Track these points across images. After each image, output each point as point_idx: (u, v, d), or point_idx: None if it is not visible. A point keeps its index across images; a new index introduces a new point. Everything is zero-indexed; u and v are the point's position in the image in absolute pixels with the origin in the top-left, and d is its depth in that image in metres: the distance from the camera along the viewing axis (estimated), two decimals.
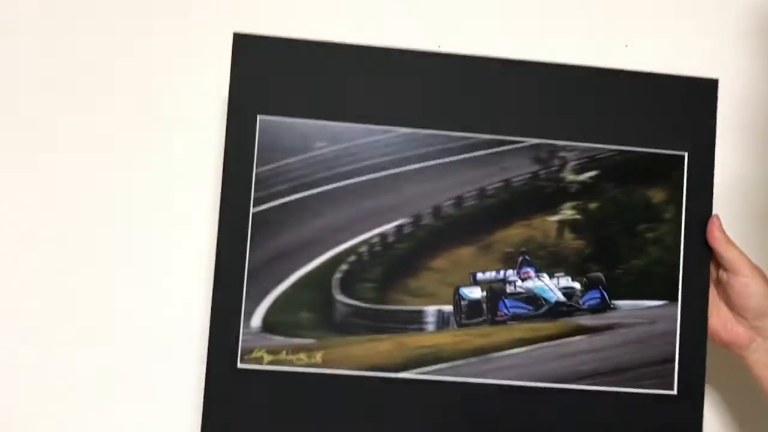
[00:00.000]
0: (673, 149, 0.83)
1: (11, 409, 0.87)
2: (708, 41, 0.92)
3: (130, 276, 0.88)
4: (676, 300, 0.82)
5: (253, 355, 0.78)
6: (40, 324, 0.88)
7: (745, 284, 0.79)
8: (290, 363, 0.78)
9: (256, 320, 0.78)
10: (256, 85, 0.79)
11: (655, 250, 0.82)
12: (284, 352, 0.78)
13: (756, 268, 0.80)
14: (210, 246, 0.82)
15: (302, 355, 0.79)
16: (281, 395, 0.78)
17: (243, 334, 0.78)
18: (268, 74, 0.79)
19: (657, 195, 0.83)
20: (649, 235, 0.82)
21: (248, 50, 0.79)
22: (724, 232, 0.81)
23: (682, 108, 0.83)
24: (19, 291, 0.88)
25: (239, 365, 0.78)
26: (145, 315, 0.88)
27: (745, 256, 0.80)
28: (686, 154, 0.83)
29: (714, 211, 0.82)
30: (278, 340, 0.78)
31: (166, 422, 0.88)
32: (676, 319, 0.82)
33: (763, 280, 0.79)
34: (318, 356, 0.79)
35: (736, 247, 0.81)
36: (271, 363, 0.78)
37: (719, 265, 0.82)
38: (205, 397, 0.77)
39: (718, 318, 0.81)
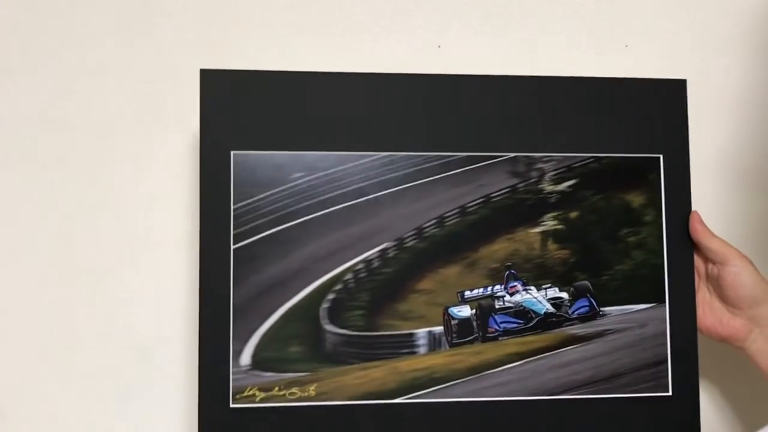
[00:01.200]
0: (647, 152, 0.83)
1: (11, 408, 0.86)
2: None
3: (140, 281, 0.88)
4: (664, 301, 0.82)
5: (246, 393, 0.77)
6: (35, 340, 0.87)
7: (736, 273, 0.79)
8: (283, 398, 0.77)
9: (246, 358, 0.77)
10: (226, 121, 0.78)
11: (639, 253, 0.82)
12: (276, 388, 0.77)
13: (744, 257, 0.80)
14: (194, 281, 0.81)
15: (295, 390, 0.77)
16: (277, 431, 0.77)
17: (233, 373, 0.77)
18: (239, 108, 0.79)
19: (636, 199, 0.83)
20: (632, 239, 0.82)
21: (216, 85, 0.78)
22: (705, 225, 0.81)
23: (654, 110, 0.84)
24: (13, 302, 0.87)
25: (232, 405, 0.77)
26: (158, 319, 0.87)
27: (731, 246, 0.80)
28: (661, 156, 0.83)
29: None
30: (270, 376, 0.77)
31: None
32: (666, 321, 0.82)
33: (753, 268, 0.79)
34: (311, 389, 0.78)
35: (720, 238, 0.81)
36: (263, 400, 0.77)
37: (707, 260, 0.82)
38: None
39: (713, 314, 0.81)
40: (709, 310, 0.81)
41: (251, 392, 0.77)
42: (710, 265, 0.81)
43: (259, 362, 0.77)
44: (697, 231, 0.81)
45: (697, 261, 0.83)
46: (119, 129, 0.88)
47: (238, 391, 0.77)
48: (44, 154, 0.88)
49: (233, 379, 0.77)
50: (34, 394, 0.86)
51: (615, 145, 0.83)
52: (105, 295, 0.87)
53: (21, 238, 0.87)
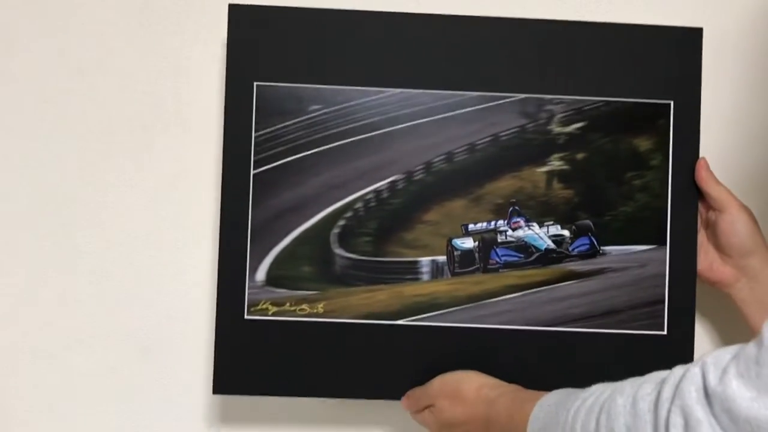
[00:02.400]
0: (659, 98, 0.85)
1: (11, 408, 0.90)
2: None
3: (140, 280, 0.91)
4: (665, 243, 0.84)
5: (259, 306, 0.83)
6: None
7: (731, 222, 0.81)
8: (294, 313, 0.84)
9: (261, 275, 0.84)
10: (251, 54, 0.84)
11: (642, 196, 0.85)
12: (288, 303, 0.84)
13: (743, 207, 0.82)
14: (215, 208, 0.87)
15: (305, 306, 0.84)
16: (286, 343, 0.83)
17: (249, 288, 0.83)
18: (263, 42, 0.84)
19: (644, 143, 0.85)
20: (637, 182, 0.85)
21: (242, 20, 0.84)
22: (711, 172, 0.83)
23: (668, 57, 0.85)
24: (13, 302, 0.90)
25: (246, 316, 0.83)
26: (158, 319, 0.91)
27: (733, 196, 0.82)
28: (672, 103, 0.85)
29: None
30: (282, 292, 0.84)
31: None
32: (666, 262, 0.84)
33: (750, 219, 0.81)
34: (320, 306, 0.84)
35: (724, 187, 0.83)
36: (275, 314, 0.84)
37: (708, 206, 0.84)
38: (215, 346, 0.83)
39: (705, 258, 0.84)
40: (703, 254, 0.84)
41: (264, 306, 0.84)
42: (710, 212, 0.83)
43: (272, 279, 0.84)
44: (701, 177, 0.83)
45: (700, 207, 0.85)
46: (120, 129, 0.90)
47: (253, 304, 0.83)
48: (45, 154, 0.90)
49: (248, 294, 0.83)
50: (34, 394, 0.90)
51: (626, 90, 0.85)
52: (105, 295, 0.90)
53: (21, 238, 0.90)
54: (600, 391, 0.62)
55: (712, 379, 0.52)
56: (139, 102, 0.90)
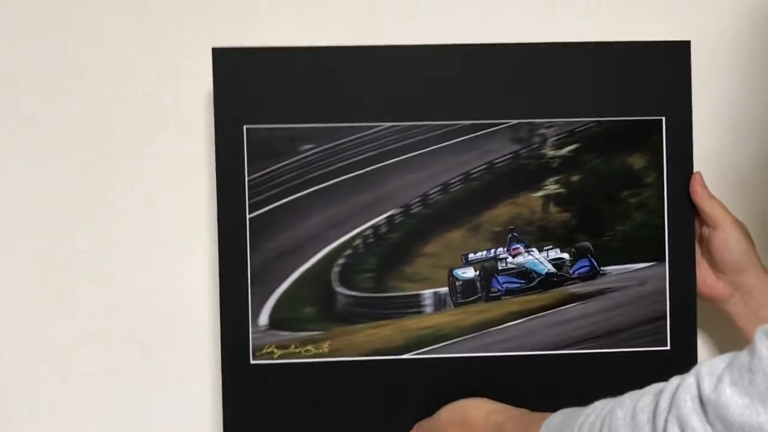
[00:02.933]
0: (650, 115, 0.85)
1: (11, 408, 0.90)
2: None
3: (140, 280, 0.90)
4: (664, 260, 0.85)
5: (264, 351, 0.83)
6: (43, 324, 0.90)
7: (724, 239, 0.82)
8: (299, 355, 0.83)
9: (264, 318, 0.83)
10: (239, 97, 0.82)
11: (639, 214, 0.85)
12: (293, 345, 0.83)
13: (736, 223, 0.82)
14: (214, 207, 0.85)
15: (310, 347, 0.84)
16: (293, 385, 0.83)
17: (253, 333, 0.83)
18: (250, 85, 0.82)
19: (637, 161, 0.85)
20: (633, 200, 0.85)
21: (227, 63, 0.82)
22: (706, 187, 0.83)
23: (657, 73, 0.85)
24: (13, 302, 0.90)
25: (252, 361, 0.83)
26: (158, 319, 0.90)
27: (727, 211, 0.83)
28: (664, 119, 0.85)
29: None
30: (286, 335, 0.83)
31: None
32: (665, 278, 0.85)
33: (743, 235, 0.82)
34: (325, 346, 0.84)
35: (718, 202, 0.83)
36: (281, 357, 0.83)
37: (703, 222, 0.84)
38: (223, 393, 0.83)
39: (699, 273, 0.84)
40: (697, 269, 0.84)
41: (269, 350, 0.83)
42: (704, 227, 0.84)
43: (276, 322, 0.83)
44: (695, 193, 0.83)
45: (696, 222, 0.85)
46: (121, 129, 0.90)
47: (258, 348, 0.83)
48: (45, 154, 0.90)
49: (253, 338, 0.83)
50: (34, 394, 0.90)
51: (617, 109, 0.85)
52: (105, 295, 0.90)
53: (21, 238, 0.90)
54: (602, 406, 0.63)
55: (707, 388, 0.53)
56: (139, 102, 0.89)
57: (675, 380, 0.57)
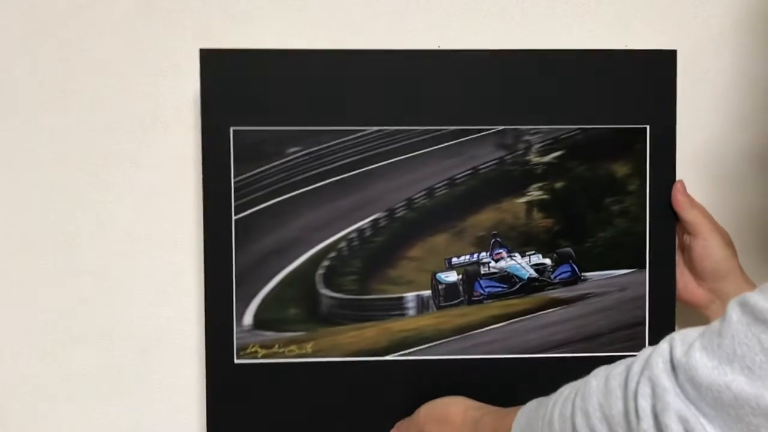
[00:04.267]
0: (634, 123, 0.85)
1: (11, 408, 0.91)
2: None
3: (140, 280, 0.91)
4: (644, 267, 0.86)
5: (248, 350, 0.84)
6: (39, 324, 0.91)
7: (704, 246, 0.83)
8: (283, 355, 0.85)
9: (248, 319, 0.84)
10: (226, 99, 0.83)
11: (621, 221, 0.86)
12: (276, 345, 0.85)
13: (717, 231, 0.83)
14: (200, 252, 0.87)
15: (293, 347, 0.85)
16: (276, 384, 0.85)
17: (237, 333, 0.84)
18: (237, 86, 0.83)
19: (621, 169, 0.86)
20: (615, 207, 0.86)
21: (215, 65, 0.83)
22: (687, 195, 0.84)
23: (642, 81, 0.85)
24: (13, 302, 0.90)
25: (236, 361, 0.84)
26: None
27: (708, 219, 0.84)
28: (648, 127, 0.85)
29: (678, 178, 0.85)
30: (270, 335, 0.84)
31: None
32: (645, 285, 0.86)
33: (723, 243, 0.83)
34: (308, 347, 0.85)
35: (700, 211, 0.84)
36: (265, 356, 0.84)
37: (683, 229, 0.85)
38: (207, 392, 0.84)
39: (681, 280, 0.86)
40: (678, 276, 0.85)
41: (254, 349, 0.84)
42: (685, 235, 0.85)
43: (260, 323, 0.84)
44: (676, 201, 0.84)
45: (678, 229, 0.86)
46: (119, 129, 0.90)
47: (242, 348, 0.84)
48: (44, 154, 0.90)
49: (237, 338, 0.84)
50: (34, 394, 0.91)
51: (602, 117, 0.85)
52: (105, 295, 0.90)
53: (21, 238, 0.90)
54: (577, 383, 0.65)
55: (678, 352, 0.55)
56: (139, 102, 0.90)
57: (647, 349, 0.59)
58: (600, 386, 0.60)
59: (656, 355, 0.57)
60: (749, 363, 0.51)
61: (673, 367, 0.55)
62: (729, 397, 0.51)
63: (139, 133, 0.90)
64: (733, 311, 0.54)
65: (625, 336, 0.86)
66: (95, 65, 0.89)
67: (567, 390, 0.66)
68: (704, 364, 0.53)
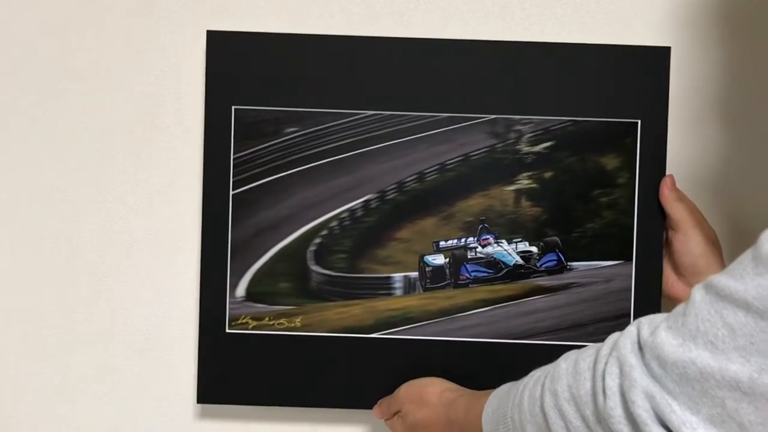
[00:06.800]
0: (626, 117, 0.87)
1: (11, 408, 0.93)
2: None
3: (139, 280, 0.93)
4: (631, 259, 0.87)
5: (240, 321, 0.88)
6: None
7: (683, 242, 0.83)
8: (273, 327, 0.88)
9: (241, 291, 0.88)
10: (229, 78, 0.87)
11: (609, 213, 0.87)
12: (267, 318, 0.88)
13: (699, 227, 0.84)
14: (197, 228, 0.89)
15: (283, 320, 0.88)
16: (265, 355, 0.88)
17: (229, 303, 0.88)
18: (241, 67, 0.87)
19: (611, 162, 0.87)
20: (604, 199, 0.87)
21: (221, 46, 0.87)
22: (674, 190, 0.85)
23: (636, 76, 0.87)
24: (13, 302, 0.92)
25: (227, 330, 0.88)
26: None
27: (692, 216, 0.84)
28: (639, 122, 0.87)
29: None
30: (261, 307, 0.88)
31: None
32: (631, 277, 0.87)
33: (703, 240, 0.83)
34: (297, 321, 0.88)
35: (685, 205, 0.84)
36: (255, 328, 0.88)
37: (667, 224, 0.86)
38: (198, 358, 0.88)
39: (665, 273, 0.86)
40: (663, 269, 0.86)
41: (245, 320, 0.88)
42: (670, 230, 0.86)
43: (252, 295, 0.88)
44: (662, 196, 0.85)
45: (666, 223, 0.87)
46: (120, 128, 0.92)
47: (233, 318, 0.88)
48: (44, 154, 0.91)
49: (229, 309, 0.88)
50: (34, 394, 0.92)
51: (594, 110, 0.87)
52: (105, 295, 0.92)
53: (21, 238, 0.92)
54: (548, 366, 0.67)
55: (645, 333, 0.57)
56: (139, 102, 0.92)
57: (616, 334, 0.61)
58: (569, 368, 0.62)
59: (624, 338, 0.58)
60: (712, 338, 0.52)
61: (640, 347, 0.57)
62: (694, 372, 0.53)
63: (139, 133, 0.92)
64: (697, 292, 0.55)
65: (610, 327, 0.86)
66: (95, 65, 0.91)
67: (538, 373, 0.68)
68: (669, 342, 0.55)
